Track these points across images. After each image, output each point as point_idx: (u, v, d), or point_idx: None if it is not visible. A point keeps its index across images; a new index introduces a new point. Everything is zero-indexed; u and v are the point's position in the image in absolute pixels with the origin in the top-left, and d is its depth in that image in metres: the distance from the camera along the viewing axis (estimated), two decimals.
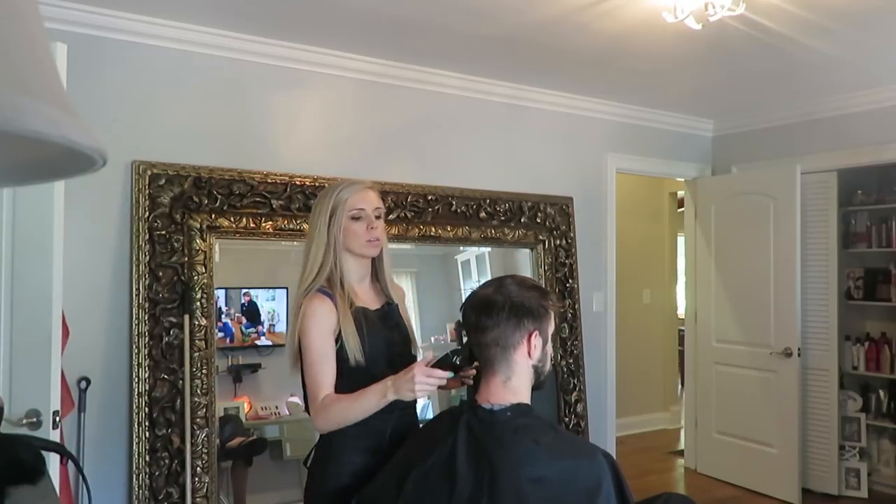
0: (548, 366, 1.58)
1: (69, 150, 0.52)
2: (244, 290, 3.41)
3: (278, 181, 3.17)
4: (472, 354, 1.56)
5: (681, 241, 5.87)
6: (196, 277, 2.95)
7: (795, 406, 4.23)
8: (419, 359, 1.68)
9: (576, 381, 4.06)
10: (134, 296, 2.84)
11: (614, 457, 1.54)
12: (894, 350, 4.36)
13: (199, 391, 2.92)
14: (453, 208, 3.68)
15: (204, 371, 2.94)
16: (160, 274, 2.89)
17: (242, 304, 3.41)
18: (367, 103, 3.52)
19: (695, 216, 4.91)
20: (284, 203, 3.16)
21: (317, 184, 3.21)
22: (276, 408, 3.43)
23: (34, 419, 1.94)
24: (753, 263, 4.44)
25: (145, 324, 2.84)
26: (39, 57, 0.53)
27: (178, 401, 2.87)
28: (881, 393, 4.45)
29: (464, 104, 3.81)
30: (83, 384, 2.76)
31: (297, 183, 3.20)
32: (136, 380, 2.81)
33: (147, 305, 2.85)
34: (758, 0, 2.66)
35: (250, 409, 3.37)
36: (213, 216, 3.01)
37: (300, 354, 1.73)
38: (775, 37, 3.06)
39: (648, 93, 4.14)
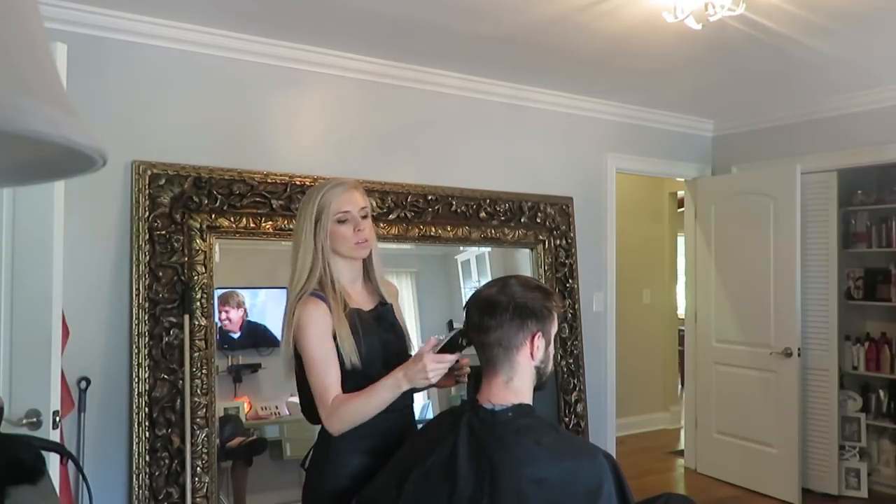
0: (550, 367, 1.58)
1: (69, 150, 0.52)
2: (244, 291, 3.40)
3: (278, 181, 3.17)
4: (470, 337, 1.57)
5: (681, 241, 5.87)
6: (196, 277, 2.95)
7: (795, 406, 4.23)
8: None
9: (576, 381, 4.06)
10: (134, 296, 2.84)
11: (614, 457, 1.53)
12: (894, 350, 4.36)
13: (199, 391, 2.92)
14: (453, 208, 3.68)
15: (204, 371, 2.94)
16: (160, 274, 2.89)
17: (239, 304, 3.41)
18: (368, 103, 3.52)
19: (695, 216, 4.91)
20: (284, 203, 3.16)
21: (317, 184, 3.21)
22: (276, 408, 3.43)
23: (34, 419, 1.94)
24: (753, 263, 4.44)
25: (145, 324, 2.84)
26: (39, 57, 0.52)
27: (178, 401, 2.87)
28: (881, 393, 4.45)
29: (464, 104, 3.81)
30: (83, 384, 2.76)
31: (297, 183, 3.20)
32: (136, 380, 2.81)
33: (147, 305, 2.85)
34: (758, 0, 2.66)
35: (250, 409, 3.37)
36: (213, 216, 3.01)
37: (295, 360, 1.71)
38: (775, 37, 3.06)
39: (648, 93, 4.14)
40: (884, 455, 4.45)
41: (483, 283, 1.62)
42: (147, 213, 2.88)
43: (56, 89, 0.53)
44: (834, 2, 2.71)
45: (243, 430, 3.32)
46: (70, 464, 2.05)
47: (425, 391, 3.50)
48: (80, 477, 2.59)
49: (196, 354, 2.92)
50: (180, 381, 2.88)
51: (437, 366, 1.56)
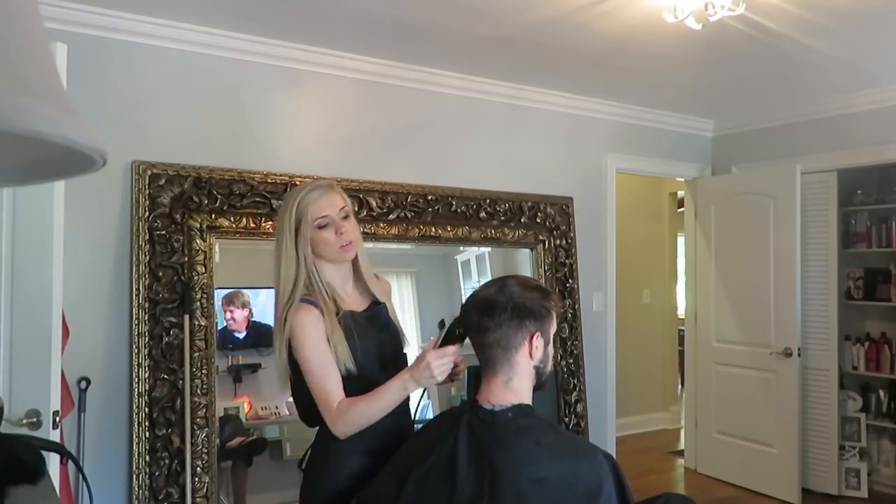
0: (549, 366, 1.57)
1: (69, 150, 0.52)
2: (244, 291, 3.40)
3: (278, 181, 3.17)
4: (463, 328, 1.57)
5: (681, 241, 5.87)
6: (196, 277, 2.95)
7: (795, 406, 4.23)
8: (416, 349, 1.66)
9: (576, 381, 4.06)
10: (134, 296, 2.84)
11: (614, 457, 1.53)
12: (894, 350, 4.36)
13: (199, 391, 2.92)
14: (453, 208, 3.68)
15: (204, 371, 2.94)
16: (160, 274, 2.89)
17: (244, 304, 3.41)
18: (368, 103, 3.52)
19: (695, 216, 4.91)
20: None
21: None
22: (276, 408, 3.43)
23: (34, 419, 1.94)
24: (753, 263, 4.44)
25: (145, 324, 2.84)
26: (39, 57, 0.53)
27: (178, 401, 2.87)
28: (881, 393, 4.45)
29: (464, 104, 3.81)
30: (83, 384, 2.76)
31: (297, 183, 3.20)
32: (136, 380, 2.81)
33: (147, 305, 2.85)
34: (758, 0, 2.66)
35: (250, 409, 3.37)
36: (213, 216, 3.01)
37: (291, 370, 1.69)
38: (775, 37, 3.06)
39: (648, 93, 4.14)
40: (884, 455, 4.45)
41: (483, 283, 1.62)
42: (147, 213, 2.88)
43: (56, 89, 0.53)
44: (834, 2, 2.71)
45: (243, 430, 3.32)
46: (70, 464, 2.05)
47: (425, 391, 3.50)
48: (80, 477, 2.59)
49: (196, 354, 2.92)
50: (180, 381, 2.88)
51: (441, 361, 1.56)
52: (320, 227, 1.69)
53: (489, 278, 1.65)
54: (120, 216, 2.89)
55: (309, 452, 1.77)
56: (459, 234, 3.70)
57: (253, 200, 3.10)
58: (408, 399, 1.82)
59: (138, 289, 2.84)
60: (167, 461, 2.84)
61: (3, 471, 0.85)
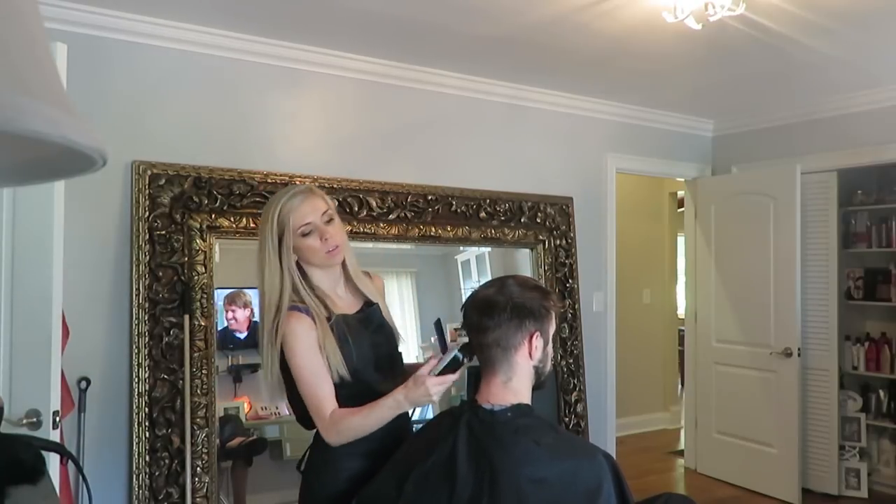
0: (548, 366, 1.58)
1: (69, 150, 0.52)
2: (244, 291, 3.40)
3: (278, 181, 3.17)
4: (471, 348, 1.56)
5: (681, 241, 5.87)
6: (196, 277, 2.95)
7: (795, 406, 4.23)
8: (410, 353, 1.65)
9: (576, 381, 4.06)
10: (134, 296, 2.84)
11: (614, 457, 1.53)
12: (894, 350, 4.36)
13: (199, 391, 2.92)
14: (453, 208, 3.68)
15: (204, 371, 2.94)
16: (160, 274, 2.89)
17: (245, 304, 3.41)
18: (367, 103, 3.52)
19: (695, 216, 4.91)
20: None
21: (317, 184, 3.21)
22: (276, 408, 3.43)
23: (34, 419, 1.94)
24: (753, 263, 4.44)
25: (145, 324, 2.84)
26: (39, 57, 0.53)
27: (178, 401, 2.87)
28: (881, 393, 4.45)
29: (464, 104, 3.81)
30: (83, 384, 2.76)
31: (298, 183, 3.20)
32: (136, 380, 2.81)
33: (147, 305, 2.85)
34: (758, 0, 2.66)
35: (250, 409, 3.37)
36: (213, 216, 3.02)
37: (284, 377, 1.67)
38: (775, 37, 3.06)
39: (648, 93, 4.14)
40: (884, 455, 4.45)
41: (482, 282, 1.61)
42: (147, 213, 2.88)
43: (56, 89, 0.53)
44: (834, 2, 2.71)
45: (243, 430, 3.32)
46: (70, 464, 2.05)
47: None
48: (80, 477, 2.59)
49: (196, 354, 2.92)
50: (180, 381, 2.88)
51: (440, 388, 1.54)
52: (304, 235, 1.66)
53: (489, 278, 1.64)
54: (120, 216, 2.89)
55: (307, 454, 1.76)
56: (459, 234, 3.70)
57: (253, 200, 3.10)
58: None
59: (138, 289, 2.84)
60: (167, 461, 2.84)
61: (3, 471, 0.85)
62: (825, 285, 4.38)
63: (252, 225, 3.10)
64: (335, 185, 3.32)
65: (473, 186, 3.79)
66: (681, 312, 5.97)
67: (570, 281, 4.09)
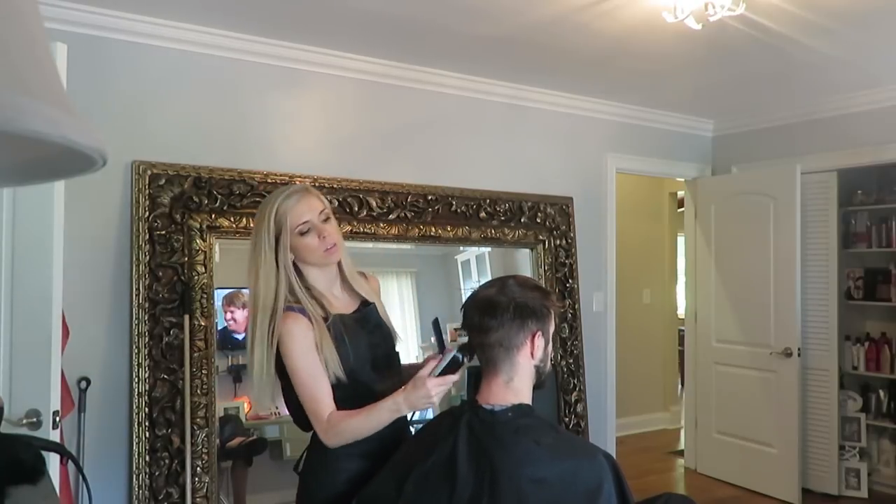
0: (549, 366, 1.58)
1: (69, 150, 0.52)
2: (244, 291, 3.40)
3: (278, 181, 3.17)
4: (471, 349, 1.55)
5: (681, 241, 5.87)
6: (196, 277, 2.95)
7: (795, 406, 4.23)
8: (409, 355, 1.64)
9: (576, 381, 4.06)
10: (134, 296, 2.84)
11: (614, 457, 1.53)
12: (894, 350, 4.36)
13: (199, 391, 2.92)
14: (453, 208, 3.68)
15: (204, 371, 2.94)
16: (160, 274, 2.89)
17: (243, 304, 3.41)
18: (368, 103, 3.52)
19: (695, 216, 4.91)
20: None
21: (317, 184, 3.21)
22: (276, 408, 3.42)
23: (34, 419, 1.94)
24: (753, 263, 4.44)
25: (145, 324, 2.84)
26: (39, 57, 0.53)
27: (178, 401, 2.87)
28: (881, 393, 4.45)
29: (464, 104, 3.81)
30: (83, 384, 2.76)
31: (297, 183, 3.20)
32: (136, 380, 2.81)
33: (147, 305, 2.85)
34: (758, 0, 2.66)
35: (250, 409, 3.37)
36: (213, 216, 3.01)
37: (282, 378, 1.66)
38: (775, 37, 3.06)
39: (648, 93, 4.14)
40: (884, 455, 4.45)
41: (483, 282, 1.61)
42: (147, 213, 2.88)
43: (56, 89, 0.53)
44: (834, 2, 2.71)
45: (243, 430, 3.32)
46: (70, 464, 2.05)
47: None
48: (80, 477, 2.59)
49: (196, 354, 2.92)
50: (180, 381, 2.88)
51: (440, 389, 1.54)
52: (302, 234, 1.65)
53: (489, 278, 1.64)
54: (120, 216, 2.89)
55: (305, 455, 1.75)
56: (459, 234, 3.70)
57: (253, 200, 3.10)
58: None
59: (138, 289, 2.84)
60: (167, 461, 2.84)
61: (3, 471, 0.85)
62: (825, 285, 4.38)
63: (252, 225, 3.10)
64: (335, 185, 3.32)
65: (473, 186, 3.79)
66: (681, 312, 5.97)
67: (570, 281, 4.09)
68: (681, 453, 5.23)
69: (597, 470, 1.40)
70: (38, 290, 1.99)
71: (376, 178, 3.46)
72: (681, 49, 3.26)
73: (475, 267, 4.01)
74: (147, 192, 2.88)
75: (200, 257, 2.97)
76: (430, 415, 3.53)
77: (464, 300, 1.58)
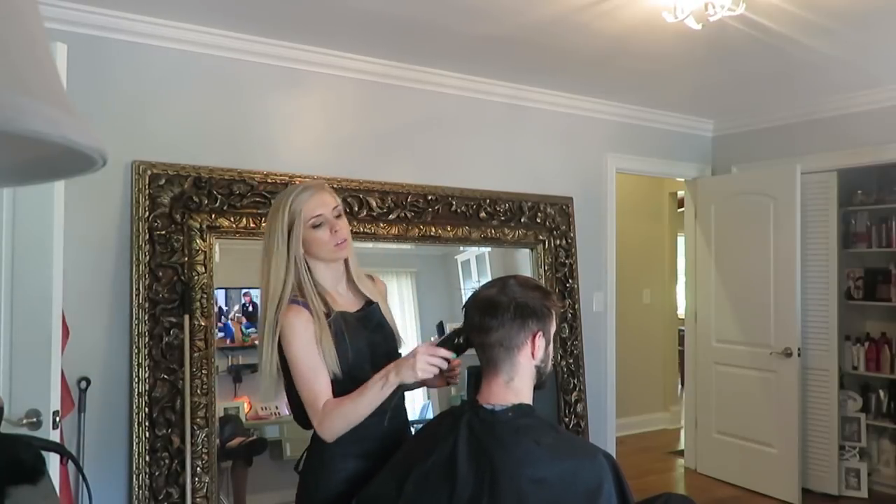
0: (549, 366, 1.57)
1: (69, 150, 0.52)
2: (244, 291, 3.40)
3: (278, 181, 3.17)
4: (470, 339, 1.55)
5: (681, 241, 5.87)
6: (196, 277, 2.95)
7: (795, 406, 4.23)
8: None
9: (576, 381, 4.06)
10: (134, 296, 2.84)
11: (614, 457, 1.53)
12: (894, 350, 4.36)
13: (199, 391, 2.92)
14: (453, 208, 3.68)
15: (204, 371, 2.94)
16: (160, 274, 2.89)
17: (244, 305, 3.41)
18: (368, 103, 3.52)
19: (695, 216, 4.91)
20: None
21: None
22: (276, 408, 3.43)
23: (34, 419, 1.94)
24: (753, 263, 4.44)
25: (145, 324, 2.84)
26: (39, 57, 0.53)
27: (178, 401, 2.87)
28: (881, 393, 4.45)
29: (464, 104, 3.81)
30: (83, 384, 2.76)
31: (298, 183, 3.20)
32: (136, 380, 2.81)
33: (147, 305, 2.85)
34: (758, 0, 2.66)
35: (250, 409, 3.37)
36: (213, 216, 3.01)
37: (283, 372, 1.67)
38: (775, 37, 3.06)
39: (648, 93, 4.14)
40: (884, 455, 4.45)
41: (483, 283, 1.61)
42: (147, 213, 2.88)
43: (56, 89, 0.53)
44: (834, 2, 2.71)
45: (243, 430, 3.32)
46: (70, 464, 2.05)
47: (424, 391, 3.51)
48: (80, 477, 2.60)
49: (196, 354, 2.92)
50: (180, 381, 2.88)
51: (429, 359, 1.54)
52: (314, 227, 1.68)
53: (489, 278, 1.64)
54: (120, 216, 2.89)
55: (305, 455, 1.76)
56: (459, 234, 3.70)
57: (253, 200, 3.10)
58: (402, 399, 1.81)
59: (138, 289, 2.84)
60: (167, 461, 2.84)
61: (3, 471, 0.85)
62: (825, 285, 4.38)
63: (252, 225, 3.11)
64: (335, 185, 3.31)
65: (473, 186, 3.79)
66: (681, 312, 5.97)
67: (570, 281, 4.09)
68: (681, 453, 5.23)
69: (597, 470, 1.40)
70: (38, 290, 1.99)
71: (376, 178, 3.46)
72: (681, 49, 3.26)
73: (475, 267, 4.01)
74: (147, 192, 2.88)
75: (200, 257, 2.97)
76: (430, 414, 3.53)
77: (464, 300, 1.58)
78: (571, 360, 4.06)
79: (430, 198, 3.60)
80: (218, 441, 3.02)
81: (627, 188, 5.14)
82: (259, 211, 3.12)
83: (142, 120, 2.93)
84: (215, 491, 2.96)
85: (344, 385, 1.64)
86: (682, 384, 5.75)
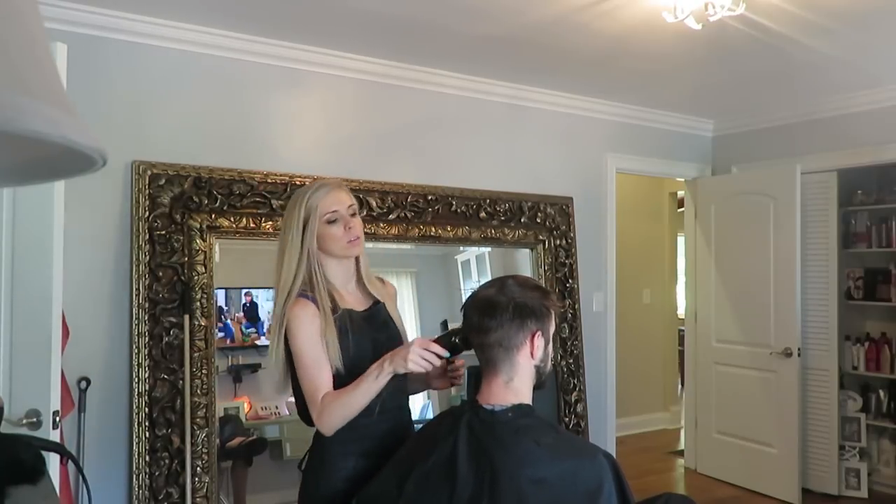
0: (549, 366, 1.57)
1: (69, 150, 0.52)
2: (244, 290, 3.40)
3: (278, 181, 3.17)
4: (468, 340, 1.55)
5: (681, 241, 5.87)
6: (196, 277, 2.95)
7: (795, 406, 4.23)
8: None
9: (576, 381, 4.06)
10: (134, 296, 2.84)
11: (614, 457, 1.53)
12: (894, 350, 4.36)
13: (199, 391, 2.92)
14: (453, 208, 3.68)
15: (204, 371, 2.94)
16: (160, 274, 2.89)
17: (244, 305, 3.41)
18: (368, 103, 3.52)
19: (695, 216, 4.91)
20: (284, 203, 3.15)
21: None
22: (276, 408, 3.43)
23: (34, 419, 1.94)
24: (753, 263, 4.44)
25: (145, 324, 2.84)
26: (39, 57, 0.53)
27: (178, 401, 2.87)
28: (881, 393, 4.45)
29: (464, 104, 3.81)
30: (83, 384, 2.76)
31: (298, 183, 3.20)
32: (136, 380, 2.81)
33: (147, 305, 2.85)
34: (758, 0, 2.66)
35: (250, 409, 3.37)
36: (213, 216, 3.01)
37: (289, 365, 1.69)
38: (775, 37, 3.06)
39: (648, 93, 4.14)
40: (884, 455, 4.45)
41: (483, 283, 1.61)
42: (147, 213, 2.88)
43: (56, 89, 0.53)
44: (834, 2, 2.71)
45: (243, 430, 3.32)
46: (70, 464, 2.05)
47: (424, 391, 3.50)
48: (80, 477, 2.59)
49: (196, 354, 2.92)
50: (180, 381, 2.88)
51: (422, 352, 1.54)
52: (329, 223, 1.71)
53: (489, 278, 1.64)
54: (120, 216, 2.89)
55: (307, 454, 1.77)
56: (459, 234, 3.70)
57: (253, 200, 3.10)
58: (406, 399, 1.82)
59: (138, 289, 2.84)
60: (167, 461, 2.84)
61: (3, 471, 0.85)
62: (825, 285, 4.38)
63: (252, 225, 3.11)
64: None
65: (473, 186, 3.79)
66: (681, 312, 5.97)
67: (570, 281, 4.09)
68: (681, 453, 5.23)
69: (597, 470, 1.40)
70: (38, 290, 1.99)
71: (376, 178, 3.46)
72: (681, 49, 3.26)
73: (475, 267, 4.01)
74: (147, 192, 2.88)
75: (200, 257, 2.97)
76: (430, 414, 3.53)
77: (464, 300, 1.58)
78: (571, 360, 4.06)
79: (430, 198, 3.60)
80: (218, 441, 3.02)
81: (627, 188, 5.14)
82: (259, 211, 3.12)
83: (142, 120, 2.93)
84: (215, 491, 2.96)
85: (345, 381, 1.65)
86: (682, 384, 5.75)
